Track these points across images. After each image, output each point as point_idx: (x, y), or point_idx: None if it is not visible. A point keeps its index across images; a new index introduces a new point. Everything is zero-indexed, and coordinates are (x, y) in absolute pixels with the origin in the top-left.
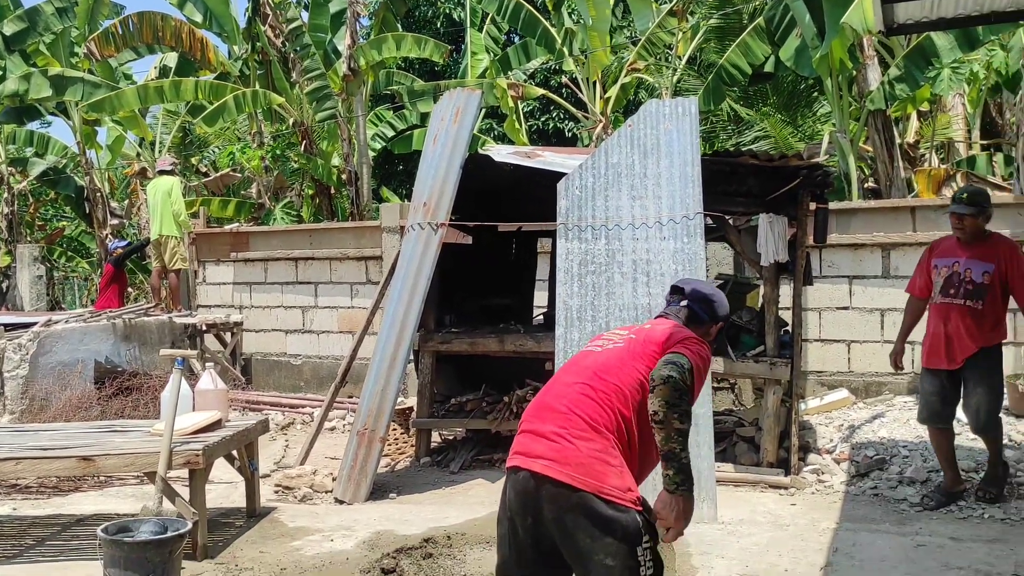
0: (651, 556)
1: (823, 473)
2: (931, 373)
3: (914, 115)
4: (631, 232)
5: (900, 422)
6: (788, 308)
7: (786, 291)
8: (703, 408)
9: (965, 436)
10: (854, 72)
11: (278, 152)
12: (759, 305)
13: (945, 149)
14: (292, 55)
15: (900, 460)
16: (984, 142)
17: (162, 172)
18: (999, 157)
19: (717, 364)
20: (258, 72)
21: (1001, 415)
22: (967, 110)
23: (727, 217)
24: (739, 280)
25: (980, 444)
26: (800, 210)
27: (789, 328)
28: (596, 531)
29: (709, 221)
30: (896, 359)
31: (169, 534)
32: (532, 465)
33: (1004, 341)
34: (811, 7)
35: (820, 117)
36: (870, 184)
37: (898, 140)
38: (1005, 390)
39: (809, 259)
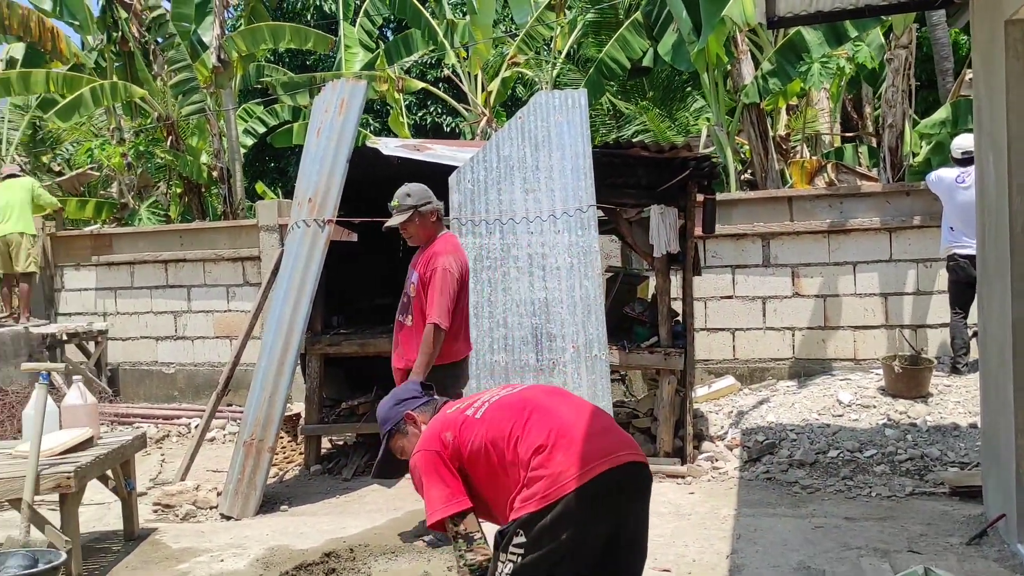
0: None
1: (717, 460)
2: None
3: (783, 109)
4: (525, 226)
5: (785, 406)
6: (677, 298)
7: (675, 281)
8: (603, 402)
9: (847, 417)
10: (729, 67)
11: (141, 148)
12: (650, 296)
13: (813, 142)
14: (154, 46)
15: (789, 443)
16: (845, 134)
17: (10, 176)
18: (864, 149)
19: (613, 356)
20: (115, 64)
21: None
22: (830, 104)
23: (618, 209)
24: (629, 272)
25: (862, 424)
26: (689, 201)
27: (680, 318)
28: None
29: (600, 213)
30: None
31: (41, 567)
32: (627, 458)
33: (455, 360)
34: (687, 2)
35: (694, 112)
36: (746, 176)
37: (770, 133)
38: (881, 371)
39: (698, 249)
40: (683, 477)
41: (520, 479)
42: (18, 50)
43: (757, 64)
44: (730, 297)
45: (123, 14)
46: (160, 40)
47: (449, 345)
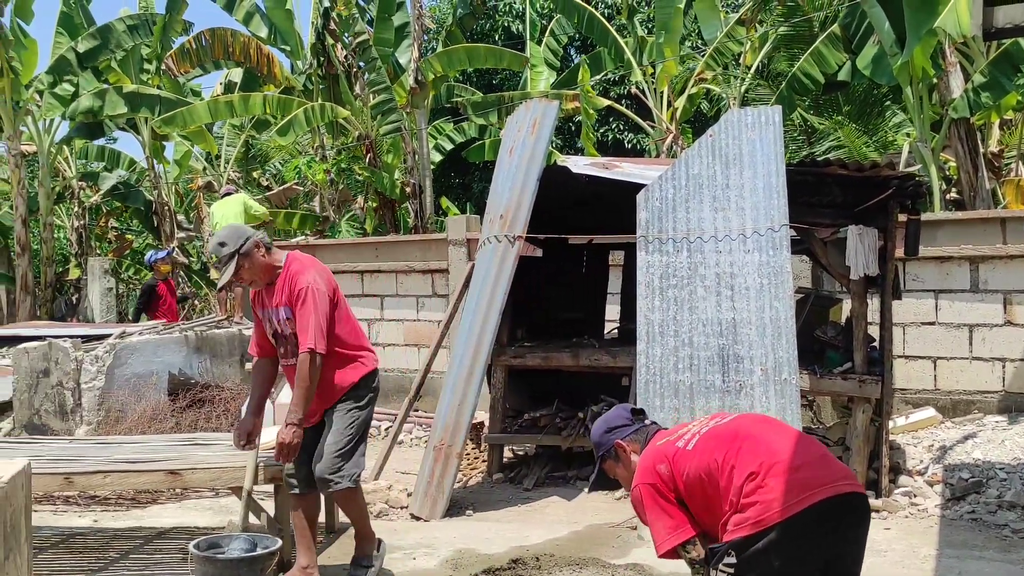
0: None
1: (916, 496)
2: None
3: (996, 124)
4: (714, 244)
5: (995, 443)
6: (874, 323)
7: (871, 305)
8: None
9: None
10: (935, 80)
11: (343, 166)
12: (843, 320)
13: None
14: (356, 69)
15: (998, 483)
16: None
17: (227, 194)
18: None
19: (803, 381)
20: (320, 86)
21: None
22: None
23: (812, 229)
24: (820, 294)
25: None
26: (890, 222)
27: (876, 344)
28: None
29: (792, 233)
30: (239, 435)
31: (260, 551)
32: (844, 488)
33: (353, 382)
34: (890, 14)
35: (893, 126)
36: (952, 195)
37: (981, 150)
38: None
39: (898, 272)
40: (878, 511)
41: (735, 504)
42: (236, 75)
43: (967, 76)
44: (932, 323)
45: (331, 40)
46: (362, 64)
47: (341, 367)
